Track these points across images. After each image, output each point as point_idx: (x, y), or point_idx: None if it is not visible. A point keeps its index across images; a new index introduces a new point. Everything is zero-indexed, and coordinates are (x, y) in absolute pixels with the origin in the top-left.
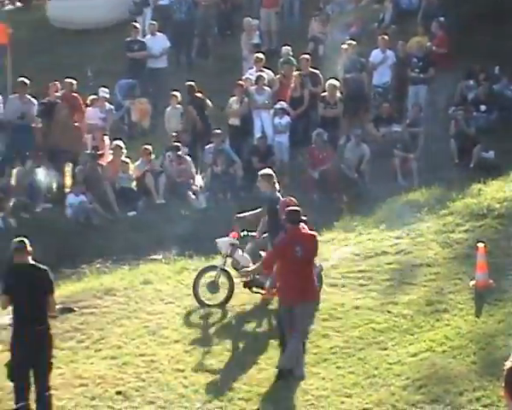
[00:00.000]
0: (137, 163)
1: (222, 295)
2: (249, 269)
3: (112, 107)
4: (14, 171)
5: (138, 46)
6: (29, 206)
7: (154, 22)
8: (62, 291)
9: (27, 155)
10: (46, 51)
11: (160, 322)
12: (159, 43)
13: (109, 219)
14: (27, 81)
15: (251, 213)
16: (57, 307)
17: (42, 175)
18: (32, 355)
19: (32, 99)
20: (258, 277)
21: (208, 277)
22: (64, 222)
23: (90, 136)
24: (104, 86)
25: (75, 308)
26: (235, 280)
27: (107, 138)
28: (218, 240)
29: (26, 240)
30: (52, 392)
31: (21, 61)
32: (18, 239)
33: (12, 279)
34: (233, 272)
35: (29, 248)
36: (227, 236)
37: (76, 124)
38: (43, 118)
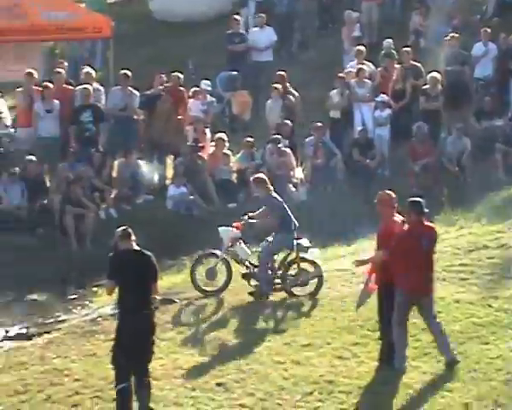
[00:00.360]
0: (239, 155)
1: (219, 282)
2: (366, 258)
3: (213, 99)
4: (116, 162)
5: (239, 39)
6: (130, 197)
7: (263, 15)
8: (163, 283)
9: (129, 147)
10: (148, 44)
11: (259, 314)
12: (266, 36)
13: (209, 210)
14: (129, 73)
15: (257, 213)
16: (158, 298)
17: (143, 167)
18: (136, 341)
19: (134, 91)
20: (256, 271)
21: (207, 263)
22: (165, 214)
23: (192, 128)
24: (206, 79)
25: (176, 300)
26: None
27: (208, 131)
28: (220, 229)
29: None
30: (151, 379)
31: (123, 54)
32: (122, 227)
33: (117, 265)
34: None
35: (133, 236)
36: (231, 226)
37: (179, 117)
38: (146, 110)
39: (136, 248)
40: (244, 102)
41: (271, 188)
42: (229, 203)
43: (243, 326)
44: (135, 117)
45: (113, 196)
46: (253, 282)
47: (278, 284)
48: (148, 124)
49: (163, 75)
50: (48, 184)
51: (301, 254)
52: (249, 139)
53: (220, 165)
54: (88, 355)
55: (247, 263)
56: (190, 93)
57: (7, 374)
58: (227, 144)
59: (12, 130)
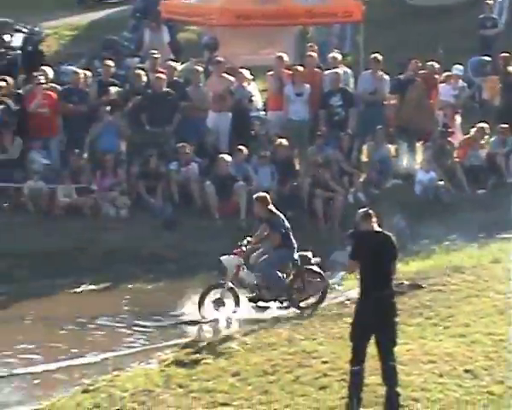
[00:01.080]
0: (491, 141)
1: (227, 311)
2: None
3: (464, 84)
4: (366, 146)
5: (491, 23)
6: (379, 181)
7: None
8: (410, 268)
9: (378, 131)
10: (399, 28)
11: (509, 301)
12: None
13: (458, 196)
14: (380, 57)
15: (256, 235)
16: (406, 283)
17: (392, 151)
18: (376, 320)
19: (385, 76)
20: (262, 291)
21: (214, 294)
22: (413, 199)
23: (442, 113)
24: (458, 63)
25: (423, 285)
26: None
27: (458, 116)
28: (222, 259)
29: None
30: (397, 364)
31: (374, 38)
32: (364, 209)
33: (358, 245)
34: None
35: (374, 217)
36: (232, 254)
37: (430, 101)
38: (397, 94)
39: (377, 229)
40: (495, 88)
41: (271, 206)
42: (478, 189)
43: (491, 312)
44: (384, 102)
45: (361, 179)
46: (261, 303)
47: (284, 300)
48: (399, 108)
49: (417, 61)
50: (297, 167)
51: (306, 266)
52: (504, 126)
53: (471, 151)
54: (336, 338)
55: (253, 286)
56: (442, 78)
57: (256, 354)
58: (486, 137)
59: (263, 113)
